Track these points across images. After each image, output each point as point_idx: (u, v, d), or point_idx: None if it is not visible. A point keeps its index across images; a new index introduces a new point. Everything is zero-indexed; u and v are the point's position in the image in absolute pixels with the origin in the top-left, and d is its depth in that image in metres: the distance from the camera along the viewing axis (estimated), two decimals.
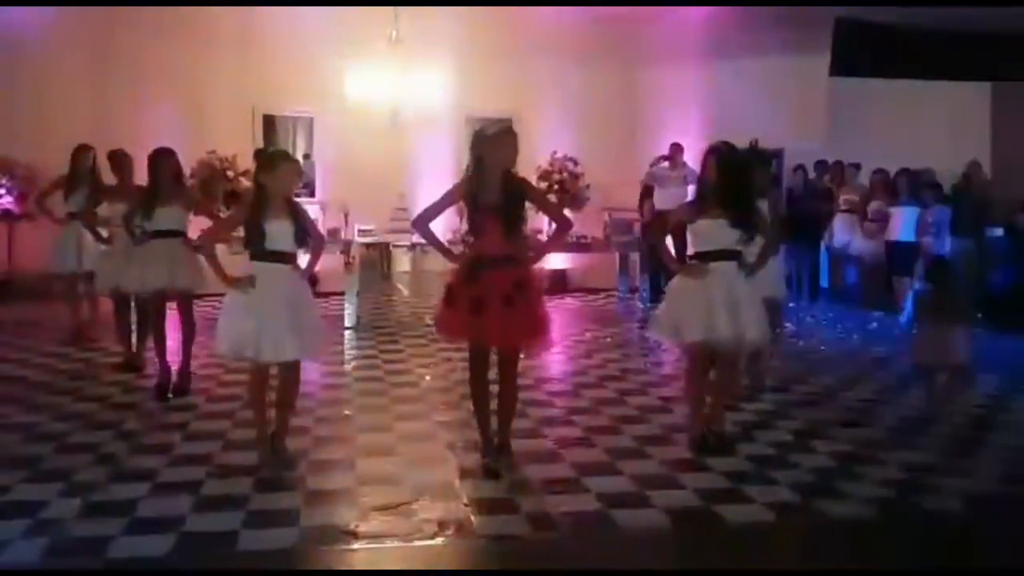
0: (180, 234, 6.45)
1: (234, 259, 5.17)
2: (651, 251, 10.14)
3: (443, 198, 4.89)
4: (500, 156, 4.73)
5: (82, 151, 8.13)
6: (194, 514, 4.21)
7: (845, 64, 12.80)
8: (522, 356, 5.09)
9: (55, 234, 8.33)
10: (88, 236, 7.80)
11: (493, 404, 4.96)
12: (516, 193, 4.76)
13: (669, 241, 6.37)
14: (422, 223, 4.99)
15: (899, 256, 10.10)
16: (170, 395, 6.33)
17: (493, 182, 4.70)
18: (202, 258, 5.42)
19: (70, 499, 4.37)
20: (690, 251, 5.39)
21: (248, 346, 4.73)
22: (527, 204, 4.85)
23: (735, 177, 5.14)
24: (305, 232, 4.89)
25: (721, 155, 5.16)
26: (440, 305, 4.90)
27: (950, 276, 6.21)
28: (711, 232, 5.15)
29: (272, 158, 4.95)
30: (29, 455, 5.04)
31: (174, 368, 6.47)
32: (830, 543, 4.12)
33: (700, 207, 5.23)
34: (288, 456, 4.92)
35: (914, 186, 10.25)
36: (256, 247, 4.79)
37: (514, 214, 4.73)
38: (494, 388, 4.95)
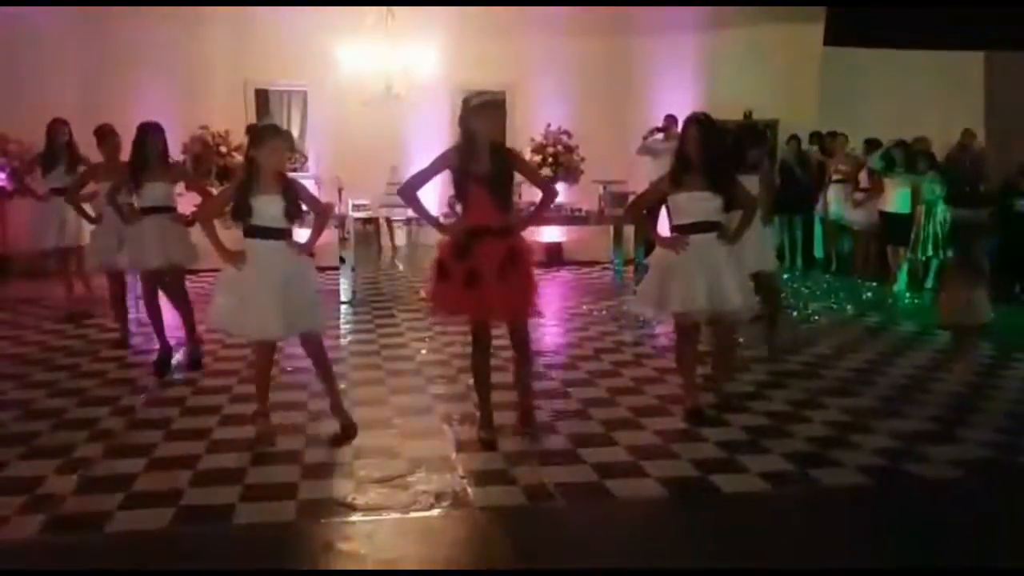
0: (169, 210, 6.42)
1: (228, 234, 5.16)
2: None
3: (431, 166, 4.81)
4: (486, 127, 4.68)
5: (56, 125, 8.14)
6: (192, 488, 4.23)
7: (839, 34, 12.77)
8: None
9: (36, 210, 8.39)
10: (70, 212, 7.79)
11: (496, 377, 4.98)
12: (505, 164, 4.72)
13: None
14: (409, 191, 4.87)
15: (893, 226, 10.11)
16: (172, 366, 6.39)
17: (483, 153, 4.66)
18: (194, 233, 5.41)
19: (68, 475, 4.39)
20: (671, 223, 5.36)
21: (234, 322, 4.75)
22: (516, 177, 4.83)
23: (716, 148, 5.11)
24: (297, 208, 4.82)
25: (701, 126, 5.12)
26: (433, 280, 4.85)
27: (974, 242, 6.48)
28: (691, 204, 5.13)
29: (261, 132, 4.88)
30: (26, 431, 5.06)
31: (181, 344, 6.54)
32: (824, 511, 4.15)
33: (679, 179, 5.18)
34: (350, 421, 5.01)
35: (909, 157, 10.23)
36: (244, 223, 4.77)
37: (504, 185, 4.71)
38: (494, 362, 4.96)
